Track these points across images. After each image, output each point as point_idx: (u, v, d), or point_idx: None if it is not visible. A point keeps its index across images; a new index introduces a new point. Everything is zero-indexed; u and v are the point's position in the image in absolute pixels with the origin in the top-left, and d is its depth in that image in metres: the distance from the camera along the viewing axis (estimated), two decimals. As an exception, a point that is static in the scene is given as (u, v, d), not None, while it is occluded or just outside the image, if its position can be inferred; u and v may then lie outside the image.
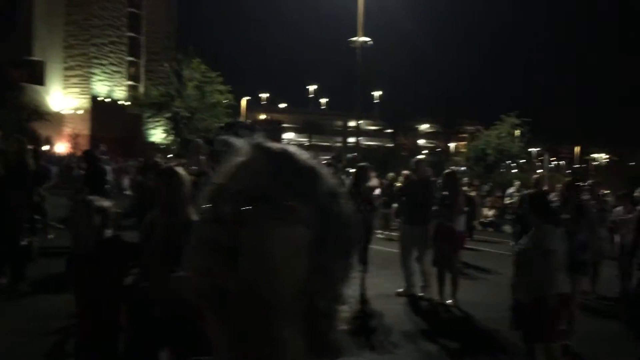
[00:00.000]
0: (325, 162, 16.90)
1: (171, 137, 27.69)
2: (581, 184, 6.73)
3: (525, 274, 4.74)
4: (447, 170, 8.44)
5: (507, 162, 30.25)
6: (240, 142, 0.77)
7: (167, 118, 27.35)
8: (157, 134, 32.28)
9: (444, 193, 7.78)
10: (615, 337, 6.79)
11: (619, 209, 9.61)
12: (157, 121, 29.16)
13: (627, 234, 8.59)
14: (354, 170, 8.47)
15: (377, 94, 77.64)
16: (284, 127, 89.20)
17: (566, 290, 4.77)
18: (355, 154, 28.48)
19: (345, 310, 0.81)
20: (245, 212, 0.68)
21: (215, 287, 0.69)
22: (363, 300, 7.73)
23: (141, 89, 43.61)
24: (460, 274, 8.27)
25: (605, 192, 14.15)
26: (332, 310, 0.77)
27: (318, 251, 0.72)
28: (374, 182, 18.25)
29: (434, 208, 7.77)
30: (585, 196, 8.86)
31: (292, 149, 0.77)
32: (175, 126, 26.85)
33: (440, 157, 52.17)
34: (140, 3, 50.93)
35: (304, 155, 0.77)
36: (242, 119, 44.27)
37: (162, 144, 28.96)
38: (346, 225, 0.78)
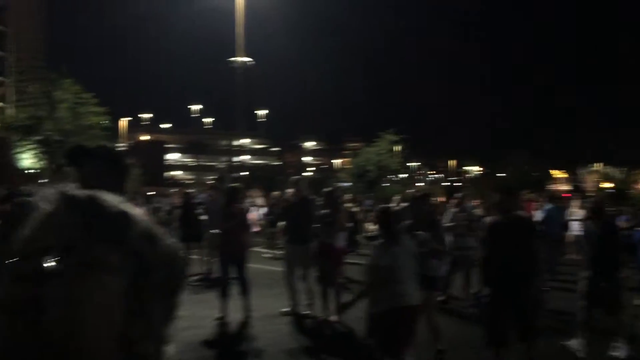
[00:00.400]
0: (210, 182, 16.68)
1: (42, 163, 25.93)
2: (429, 198, 6.80)
3: (377, 287, 4.80)
4: (326, 189, 8.62)
5: (388, 177, 31.43)
6: (44, 193, 0.74)
7: (38, 142, 25.60)
8: (27, 159, 30.11)
9: (325, 211, 7.93)
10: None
11: (489, 219, 10.30)
12: (27, 145, 27.19)
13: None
14: (226, 191, 8.37)
15: (262, 112, 77.86)
16: (168, 147, 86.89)
17: (414, 303, 4.76)
18: (247, 172, 28.29)
19: (171, 351, 0.80)
20: (50, 265, 0.66)
21: (16, 345, 0.66)
22: (246, 322, 7.67)
23: (9, 111, 40.57)
24: (344, 289, 8.42)
25: (476, 202, 15.10)
26: (155, 353, 0.76)
27: (135, 296, 0.71)
28: (259, 201, 18.35)
29: (315, 226, 7.89)
30: (453, 209, 9.44)
31: (100, 195, 0.75)
32: (46, 151, 25.17)
33: (325, 174, 53.28)
34: (5, 20, 47.70)
35: (113, 200, 0.75)
36: (121, 140, 42.48)
37: (32, 170, 27.06)
38: (166, 266, 0.77)
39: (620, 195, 34.76)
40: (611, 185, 39.35)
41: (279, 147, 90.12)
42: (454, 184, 72.08)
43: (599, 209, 6.51)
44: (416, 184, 53.32)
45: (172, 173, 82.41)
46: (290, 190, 9.02)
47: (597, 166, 45.10)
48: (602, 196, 7.88)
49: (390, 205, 8.45)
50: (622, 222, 13.86)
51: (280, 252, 11.53)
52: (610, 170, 41.87)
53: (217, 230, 8.28)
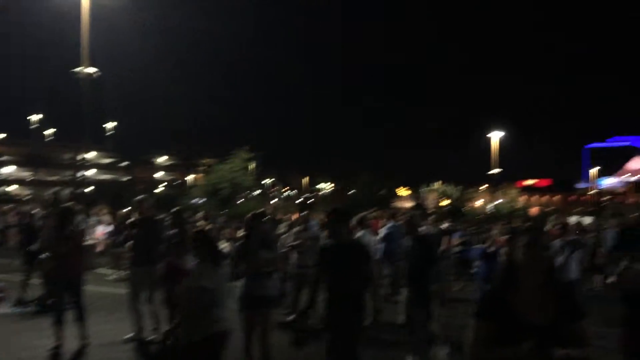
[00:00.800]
0: (45, 198, 15.37)
1: None
2: (265, 216, 6.59)
3: (188, 313, 4.66)
4: (174, 209, 8.34)
5: (242, 194, 31.28)
6: None
7: None
8: None
9: (173, 231, 7.66)
10: None
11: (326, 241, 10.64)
12: None
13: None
14: (58, 212, 7.66)
15: (110, 125, 73.96)
16: (1, 160, 79.33)
17: (227, 328, 4.65)
18: (92, 188, 26.55)
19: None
20: None
21: None
22: (82, 351, 7.14)
23: None
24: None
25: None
26: None
27: None
28: (105, 218, 17.29)
29: (162, 246, 7.59)
30: (297, 227, 9.55)
31: None
32: None
33: (178, 191, 51.79)
34: None
35: None
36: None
37: None
38: None
39: (456, 212, 37.75)
40: (448, 202, 42.57)
41: (128, 161, 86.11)
42: (308, 201, 73.76)
43: (412, 226, 6.95)
44: (271, 201, 53.78)
45: (7, 188, 75.22)
46: (135, 209, 8.61)
47: (437, 184, 48.49)
48: (414, 215, 8.17)
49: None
50: (455, 238, 15.04)
51: (126, 273, 10.96)
52: (447, 188, 45.26)
53: (47, 254, 7.62)
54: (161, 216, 8.55)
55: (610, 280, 13.11)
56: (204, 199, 30.96)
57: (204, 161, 57.58)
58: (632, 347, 4.83)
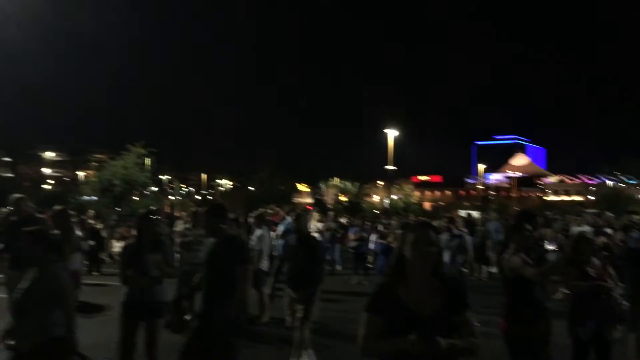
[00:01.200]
0: None
1: None
2: (154, 216, 5.98)
3: (27, 318, 4.20)
4: (57, 207, 7.84)
5: (137, 191, 30.15)
6: None
7: None
8: None
9: (55, 231, 7.19)
10: None
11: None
12: None
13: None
14: None
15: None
16: None
17: (61, 334, 4.23)
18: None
19: None
20: None
21: None
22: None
23: None
24: (77, 312, 7.72)
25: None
26: None
27: None
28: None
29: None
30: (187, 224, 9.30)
31: None
32: None
33: (67, 188, 49.11)
34: None
35: None
36: None
37: None
38: None
39: (353, 207, 38.62)
40: (346, 198, 43.46)
41: (11, 157, 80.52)
42: (206, 198, 72.52)
43: (300, 224, 6.94)
44: (168, 198, 52.33)
45: None
46: (11, 209, 7.99)
47: (336, 180, 49.30)
48: (301, 213, 8.13)
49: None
50: (352, 233, 15.37)
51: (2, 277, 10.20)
52: (345, 184, 46.20)
53: None
54: (41, 215, 8.01)
55: (493, 270, 14.00)
56: (96, 197, 29.51)
57: (95, 157, 54.97)
58: (512, 332, 5.12)
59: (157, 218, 6.05)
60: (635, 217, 14.30)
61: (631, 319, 5.43)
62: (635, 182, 40.41)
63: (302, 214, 7.28)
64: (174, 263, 6.00)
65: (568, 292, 5.65)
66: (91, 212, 20.53)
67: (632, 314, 5.46)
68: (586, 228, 13.11)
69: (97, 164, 39.14)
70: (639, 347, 3.03)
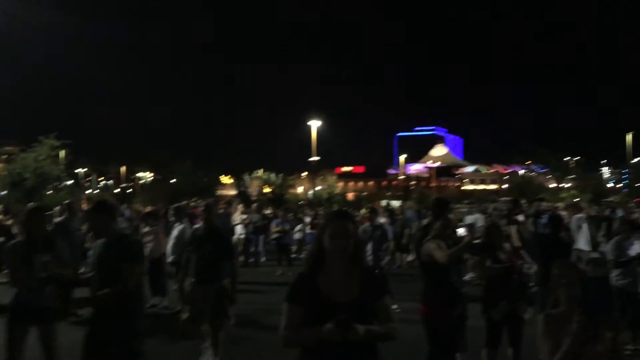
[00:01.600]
0: None
1: None
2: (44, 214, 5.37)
3: None
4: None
5: (50, 185, 28.75)
6: None
7: None
8: None
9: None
10: None
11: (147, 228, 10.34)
12: None
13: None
14: None
15: None
16: None
17: None
18: None
19: None
20: None
21: None
22: None
23: None
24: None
25: (148, 209, 14.88)
26: None
27: None
28: None
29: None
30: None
31: None
32: None
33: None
34: None
35: None
36: None
37: None
38: None
39: (278, 199, 38.56)
40: (270, 190, 43.31)
41: None
42: (126, 191, 70.24)
43: (208, 215, 6.51)
44: (84, 192, 50.25)
45: None
46: None
47: (260, 172, 48.99)
48: (209, 203, 7.82)
49: None
50: (274, 225, 15.35)
51: None
52: (270, 176, 46.02)
53: None
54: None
55: (411, 258, 14.42)
56: (5, 191, 27.91)
57: (5, 149, 51.92)
58: (429, 315, 5.29)
59: (46, 214, 5.49)
60: (544, 204, 15.16)
61: (540, 300, 5.74)
62: (545, 171, 42.55)
63: (210, 204, 6.89)
64: (70, 263, 5.26)
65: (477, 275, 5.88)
66: (0, 207, 19.41)
67: (541, 296, 5.78)
68: (477, 216, 14.33)
69: (6, 157, 37.02)
70: (545, 327, 3.20)
